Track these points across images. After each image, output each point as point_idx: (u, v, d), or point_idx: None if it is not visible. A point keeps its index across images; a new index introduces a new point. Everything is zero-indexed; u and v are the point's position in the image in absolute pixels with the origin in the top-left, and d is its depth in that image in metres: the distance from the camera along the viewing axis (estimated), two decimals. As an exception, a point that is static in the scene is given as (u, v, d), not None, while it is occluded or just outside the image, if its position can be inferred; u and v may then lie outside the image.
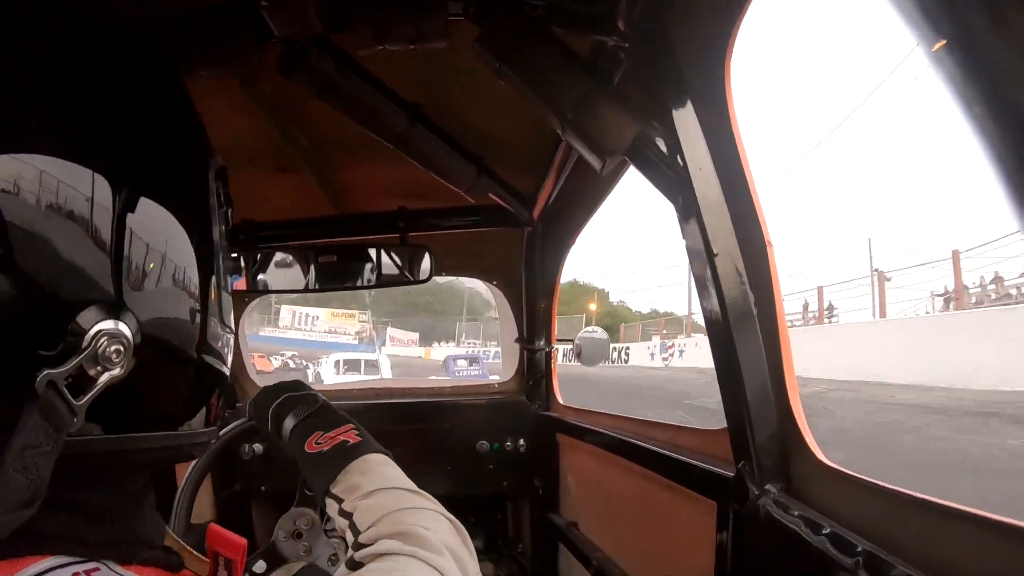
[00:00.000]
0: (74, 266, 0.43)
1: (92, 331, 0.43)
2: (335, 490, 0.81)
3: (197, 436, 0.56)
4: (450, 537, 0.69)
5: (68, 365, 0.41)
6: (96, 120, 0.47)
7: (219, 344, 0.57)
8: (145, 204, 0.47)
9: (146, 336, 0.47)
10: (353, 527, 0.74)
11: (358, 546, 0.67)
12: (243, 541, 0.58)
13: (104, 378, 0.43)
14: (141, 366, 0.46)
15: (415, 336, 51.15)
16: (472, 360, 22.01)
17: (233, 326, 0.62)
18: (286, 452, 0.95)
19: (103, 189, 0.44)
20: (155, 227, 0.49)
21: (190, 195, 0.55)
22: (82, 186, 0.43)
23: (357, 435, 0.89)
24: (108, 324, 0.43)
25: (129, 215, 0.46)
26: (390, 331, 48.83)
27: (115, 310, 0.44)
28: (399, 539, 0.64)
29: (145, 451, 0.50)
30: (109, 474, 0.49)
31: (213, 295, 0.55)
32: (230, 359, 0.61)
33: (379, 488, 0.77)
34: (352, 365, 18.97)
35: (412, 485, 0.80)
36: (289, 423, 0.94)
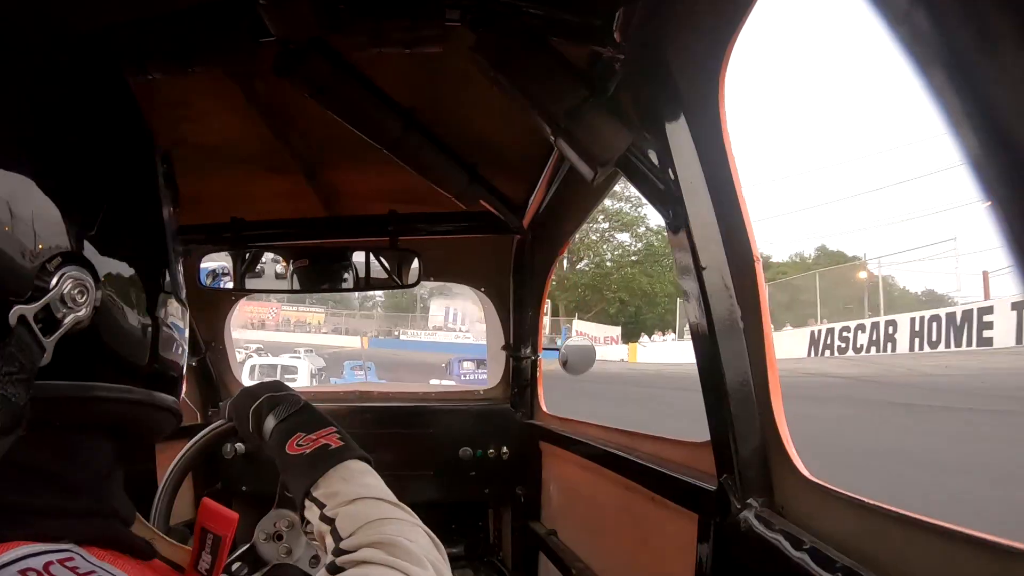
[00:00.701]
0: (37, 222, 0.47)
1: (57, 274, 0.47)
2: (316, 493, 0.81)
3: (162, 399, 0.58)
4: (431, 551, 0.69)
5: (37, 304, 0.46)
6: (36, 113, 0.50)
7: (174, 313, 0.61)
8: (98, 173, 0.54)
9: (104, 289, 0.51)
10: (335, 533, 0.73)
11: (339, 552, 0.67)
12: (234, 516, 0.59)
13: (70, 318, 0.48)
14: (100, 316, 0.51)
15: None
16: (480, 362, 19.55)
17: (183, 294, 0.65)
18: (266, 452, 0.94)
19: (57, 161, 0.50)
20: (107, 197, 0.53)
21: (138, 171, 0.60)
22: (38, 158, 0.48)
23: (339, 439, 0.88)
24: (72, 269, 0.48)
25: (84, 183, 0.52)
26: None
27: (77, 260, 0.49)
28: (382, 549, 0.64)
29: (105, 402, 0.52)
30: (79, 442, 0.51)
31: (160, 263, 0.60)
32: (186, 334, 0.65)
33: (362, 496, 0.77)
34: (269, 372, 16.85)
35: (393, 497, 0.80)
36: (270, 423, 0.94)
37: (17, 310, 0.45)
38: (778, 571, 0.86)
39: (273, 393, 0.99)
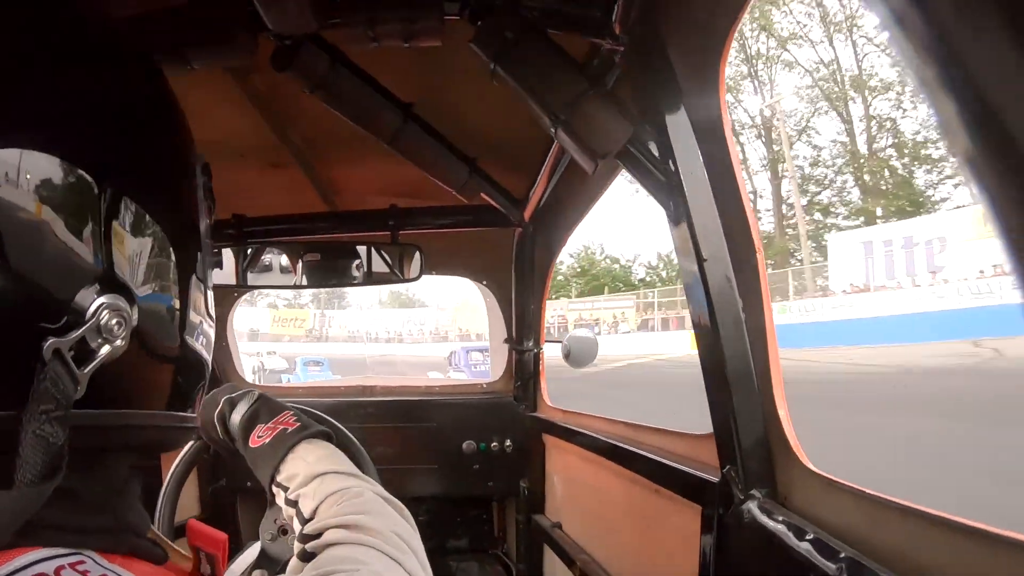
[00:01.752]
0: (69, 250, 0.44)
1: (94, 305, 0.45)
2: (279, 479, 0.82)
3: (185, 419, 0.58)
4: (395, 521, 0.68)
5: (72, 335, 0.44)
6: (83, 114, 0.48)
7: (203, 331, 0.59)
8: (134, 193, 0.49)
9: (141, 314, 0.49)
10: (299, 515, 0.74)
11: (305, 537, 0.66)
12: (223, 536, 0.59)
13: (105, 350, 0.45)
14: (135, 347, 0.49)
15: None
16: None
17: (213, 317, 0.64)
18: (241, 454, 0.95)
19: (90, 180, 0.46)
20: (143, 216, 0.50)
21: (176, 186, 0.57)
22: (70, 177, 0.45)
23: (295, 420, 0.89)
24: (108, 298, 0.46)
25: (119, 204, 0.48)
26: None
27: (114, 288, 0.46)
28: (346, 529, 0.64)
29: (136, 429, 0.51)
30: (98, 460, 0.50)
31: (198, 285, 0.58)
32: (211, 348, 0.63)
33: (318, 473, 0.78)
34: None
35: (351, 467, 0.80)
36: (234, 423, 0.95)
37: (52, 343, 0.43)
38: (781, 562, 0.86)
39: (229, 395, 0.99)
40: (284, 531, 1.19)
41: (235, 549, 1.29)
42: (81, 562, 0.44)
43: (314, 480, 0.77)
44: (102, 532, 0.48)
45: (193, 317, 0.57)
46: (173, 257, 0.54)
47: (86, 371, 0.45)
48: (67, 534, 0.46)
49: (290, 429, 0.87)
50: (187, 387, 0.58)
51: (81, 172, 0.45)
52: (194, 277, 0.57)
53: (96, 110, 0.49)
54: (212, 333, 0.62)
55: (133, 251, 0.49)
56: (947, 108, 0.22)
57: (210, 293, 0.61)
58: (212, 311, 0.62)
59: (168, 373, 0.55)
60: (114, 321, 0.46)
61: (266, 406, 0.94)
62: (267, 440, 0.87)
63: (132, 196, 0.49)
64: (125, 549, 0.49)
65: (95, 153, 0.47)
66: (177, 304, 0.54)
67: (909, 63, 0.23)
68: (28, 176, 0.42)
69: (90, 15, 0.53)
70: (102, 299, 0.45)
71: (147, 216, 0.51)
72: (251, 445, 0.89)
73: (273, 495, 0.83)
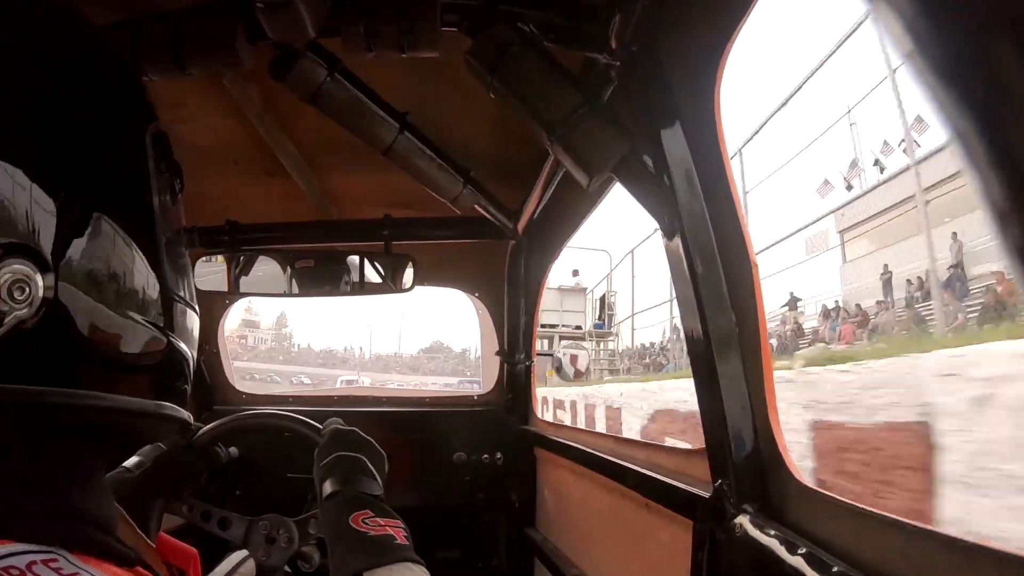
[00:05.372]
0: None
1: None
2: None
3: (146, 405, 0.55)
4: None
5: None
6: (15, 78, 0.47)
7: (154, 308, 0.56)
8: (69, 162, 0.49)
9: (65, 285, 0.47)
10: None
11: None
12: (193, 551, 0.57)
13: (10, 318, 0.44)
14: (64, 315, 0.47)
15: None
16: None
17: (189, 297, 0.62)
18: (319, 497, 0.98)
19: (22, 145, 0.46)
20: (81, 187, 0.49)
21: (120, 155, 0.55)
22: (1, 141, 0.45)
23: (405, 537, 0.89)
24: (15, 264, 0.44)
25: (48, 172, 0.47)
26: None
27: (26, 255, 0.45)
28: None
29: (70, 409, 0.49)
30: (40, 443, 0.48)
31: (144, 260, 0.55)
32: (189, 334, 0.61)
33: None
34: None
35: None
36: (339, 483, 0.97)
37: None
38: None
39: (371, 461, 1.03)
40: (271, 540, 1.19)
41: (219, 558, 1.28)
42: (54, 559, 0.43)
43: None
44: (63, 519, 0.47)
45: (141, 295, 0.54)
46: (113, 232, 0.52)
47: None
48: (25, 520, 0.44)
49: (399, 540, 0.86)
50: (140, 369, 0.56)
51: (13, 137, 0.45)
52: (143, 252, 0.55)
53: (26, 69, 0.48)
54: (187, 317, 0.60)
55: (60, 221, 0.47)
56: (955, 114, 0.23)
57: (173, 273, 0.59)
58: (184, 293, 0.60)
59: (110, 351, 0.53)
60: (15, 286, 0.44)
61: (383, 504, 0.95)
62: (372, 533, 0.86)
63: (62, 164, 0.48)
64: (92, 543, 0.47)
65: (27, 118, 0.47)
66: (118, 280, 0.52)
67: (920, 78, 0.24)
68: None
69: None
70: (6, 262, 0.44)
71: (87, 188, 0.50)
72: (351, 523, 0.87)
73: None
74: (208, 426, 1.36)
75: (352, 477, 0.98)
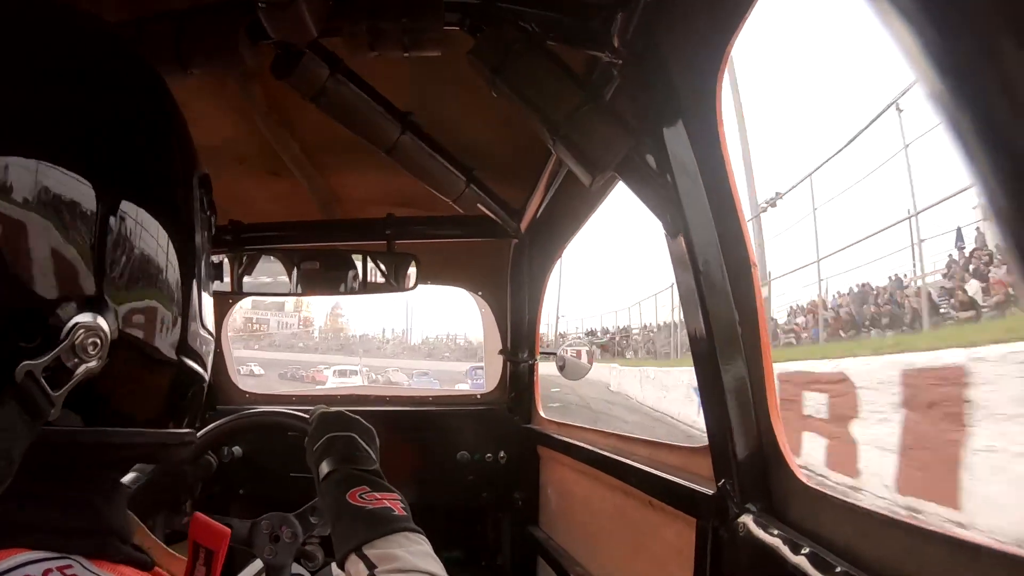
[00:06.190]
0: (54, 264, 0.44)
1: (70, 324, 0.44)
2: (368, 551, 0.80)
3: (174, 436, 0.57)
4: None
5: (46, 357, 0.43)
6: (80, 123, 0.48)
7: (198, 346, 0.58)
8: (128, 206, 0.49)
9: (125, 332, 0.48)
10: None
11: None
12: (226, 530, 0.59)
13: (81, 370, 0.44)
14: (120, 361, 0.48)
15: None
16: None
17: (214, 330, 0.63)
18: (316, 480, 0.98)
19: (86, 191, 0.46)
20: (137, 228, 0.50)
21: (173, 199, 0.56)
22: (64, 188, 0.44)
23: (403, 508, 0.89)
24: (86, 318, 0.45)
25: (112, 217, 0.47)
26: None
27: (94, 305, 0.46)
28: None
29: (122, 446, 0.51)
30: (85, 469, 0.50)
31: (194, 298, 0.57)
32: (210, 362, 0.62)
33: (420, 570, 0.78)
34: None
35: (444, 572, 0.80)
36: (334, 463, 0.97)
37: (24, 367, 0.41)
38: (777, 575, 0.86)
39: (359, 437, 1.04)
40: (275, 537, 1.19)
41: (228, 563, 1.29)
42: (69, 566, 0.44)
43: (413, 574, 0.77)
44: (83, 534, 0.48)
45: (189, 332, 0.56)
46: (168, 272, 0.53)
47: (60, 392, 0.43)
48: (45, 535, 0.45)
49: (396, 512, 0.87)
50: (180, 401, 0.58)
51: (77, 184, 0.45)
52: (191, 291, 0.56)
53: (93, 121, 0.49)
54: (210, 348, 0.62)
55: (123, 266, 0.48)
56: (957, 117, 0.22)
57: (208, 307, 0.60)
58: (211, 325, 0.61)
59: (158, 388, 0.55)
60: (89, 341, 0.44)
61: (379, 478, 0.96)
62: (369, 506, 0.87)
63: (127, 209, 0.48)
64: (111, 555, 0.49)
65: (91, 165, 0.46)
66: (171, 319, 0.53)
67: (918, 72, 0.23)
68: (21, 186, 0.42)
69: (91, 25, 0.53)
70: (79, 318, 0.44)
71: (141, 230, 0.50)
72: (348, 498, 0.88)
73: (344, 559, 0.82)
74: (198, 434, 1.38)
75: (345, 455, 0.99)
